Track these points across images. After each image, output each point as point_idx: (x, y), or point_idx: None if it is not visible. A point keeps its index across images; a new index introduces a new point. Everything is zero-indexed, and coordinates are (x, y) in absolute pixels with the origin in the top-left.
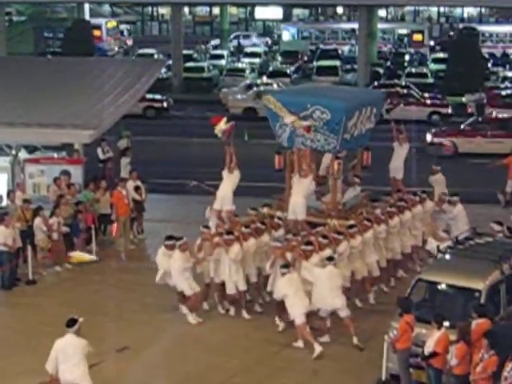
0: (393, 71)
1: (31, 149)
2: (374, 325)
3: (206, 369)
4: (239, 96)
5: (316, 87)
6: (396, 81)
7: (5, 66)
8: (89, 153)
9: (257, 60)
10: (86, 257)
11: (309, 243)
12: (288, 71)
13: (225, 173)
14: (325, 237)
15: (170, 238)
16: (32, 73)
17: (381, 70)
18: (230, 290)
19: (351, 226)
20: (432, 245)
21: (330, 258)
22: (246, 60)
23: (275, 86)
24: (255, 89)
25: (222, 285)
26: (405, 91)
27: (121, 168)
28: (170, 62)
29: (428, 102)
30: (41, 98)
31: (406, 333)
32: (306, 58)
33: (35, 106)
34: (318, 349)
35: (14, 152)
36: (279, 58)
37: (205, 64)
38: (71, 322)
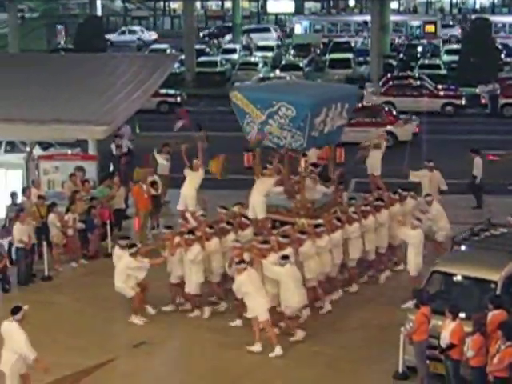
0: (406, 63)
1: (45, 145)
2: (391, 318)
3: (223, 364)
4: None
5: (287, 83)
6: (409, 72)
7: (18, 62)
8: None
9: (269, 54)
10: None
11: (265, 242)
12: (301, 64)
13: (187, 171)
14: (285, 236)
15: (124, 238)
16: (45, 69)
17: (394, 62)
18: (188, 287)
19: (317, 226)
20: (406, 235)
21: (285, 257)
22: (259, 54)
23: (288, 79)
24: (268, 82)
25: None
26: (418, 83)
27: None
28: (183, 56)
29: (441, 93)
30: (54, 94)
31: (423, 325)
32: (318, 51)
33: (49, 102)
34: (278, 351)
35: (28, 149)
36: (292, 52)
37: (217, 58)
38: (15, 310)
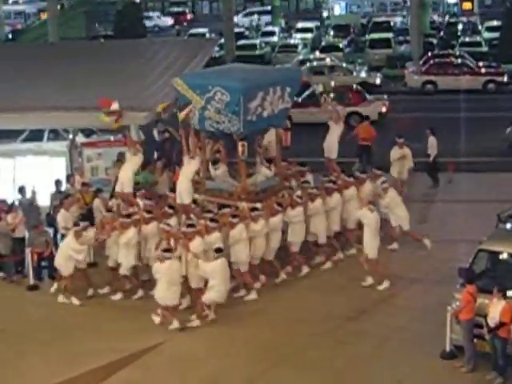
0: (446, 41)
1: (88, 132)
2: (437, 297)
3: (273, 345)
4: None
5: (229, 67)
6: (450, 51)
7: (59, 51)
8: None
9: (309, 35)
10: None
11: (190, 226)
12: (340, 45)
13: (128, 155)
14: (213, 220)
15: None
16: (85, 57)
17: (434, 41)
18: (122, 270)
19: (253, 210)
20: (364, 216)
21: (219, 250)
22: (298, 36)
23: (328, 60)
24: (308, 64)
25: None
26: (459, 61)
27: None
28: (222, 40)
29: (483, 70)
30: (95, 81)
31: (469, 303)
32: (357, 32)
33: (90, 89)
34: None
35: (71, 136)
36: (331, 33)
37: (257, 41)
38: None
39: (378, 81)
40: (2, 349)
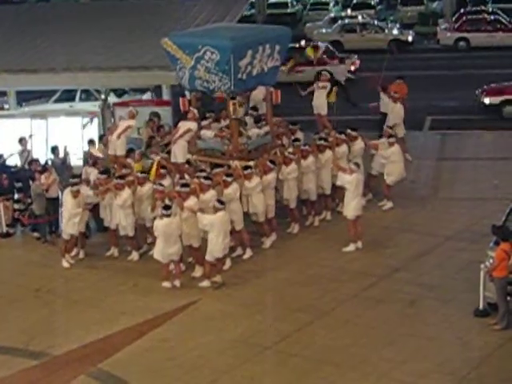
0: None
1: (120, 92)
2: (470, 255)
3: (304, 303)
4: (324, 30)
5: (217, 27)
6: (483, 7)
7: (89, 10)
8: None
9: None
10: None
11: (184, 185)
12: (372, 2)
13: (121, 121)
14: (207, 178)
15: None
16: (117, 17)
17: None
18: (121, 231)
19: (246, 168)
20: (342, 179)
21: (221, 202)
22: None
23: (360, 18)
24: (340, 22)
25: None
26: (492, 17)
27: None
28: None
29: None
30: (126, 41)
31: (504, 261)
32: None
33: (121, 49)
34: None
35: (103, 96)
36: None
37: None
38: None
39: (410, 38)
40: (37, 307)
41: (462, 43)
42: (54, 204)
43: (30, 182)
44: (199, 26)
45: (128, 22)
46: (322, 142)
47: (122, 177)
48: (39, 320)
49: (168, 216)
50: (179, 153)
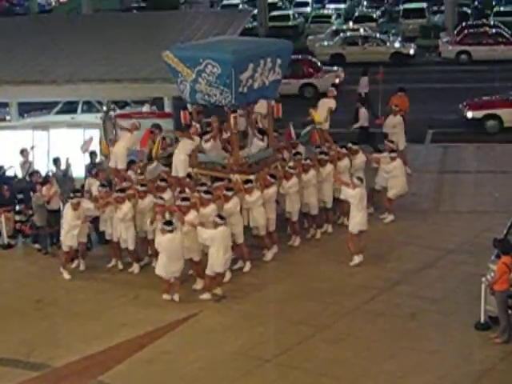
0: (481, 11)
1: (122, 104)
2: (471, 268)
3: (305, 316)
4: (326, 43)
5: (218, 40)
6: (484, 20)
7: (91, 22)
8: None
9: (342, 5)
10: None
11: (185, 199)
12: (374, 15)
13: (123, 133)
14: (208, 193)
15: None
16: (119, 28)
17: (468, 11)
18: (123, 244)
19: (247, 182)
20: (345, 193)
21: (221, 217)
22: (332, 6)
23: (362, 31)
24: (342, 35)
25: (117, 242)
26: (494, 31)
27: None
28: (256, 11)
29: None
30: (129, 53)
31: (505, 274)
32: (391, 1)
33: (124, 61)
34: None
35: (105, 108)
36: (365, 3)
37: (290, 12)
38: None
39: (411, 51)
40: (37, 319)
41: (463, 56)
42: (56, 216)
43: (31, 194)
44: (202, 39)
45: (130, 34)
46: (323, 156)
47: (122, 190)
48: (40, 332)
49: (171, 232)
50: (180, 166)
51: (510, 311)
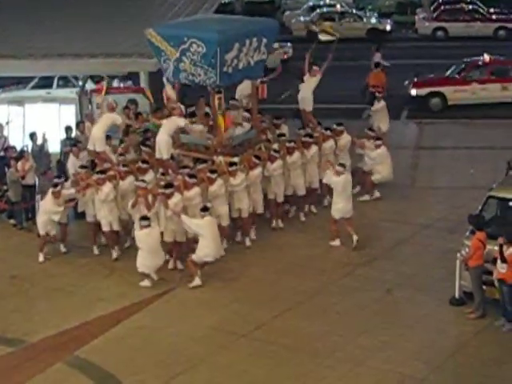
0: None
1: (97, 79)
2: (446, 244)
3: (282, 291)
4: (302, 18)
5: (202, 18)
6: None
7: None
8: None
9: None
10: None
11: (168, 185)
12: None
13: (100, 115)
14: (192, 176)
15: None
16: (95, 4)
17: None
18: (104, 227)
19: (232, 164)
20: (329, 178)
21: (205, 209)
22: None
23: (338, 6)
24: (318, 10)
25: (98, 224)
26: (470, 7)
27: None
28: None
29: (494, 17)
30: (104, 28)
31: (479, 250)
32: None
33: (100, 36)
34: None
35: (81, 83)
36: None
37: None
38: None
39: (388, 27)
40: (13, 294)
41: (439, 33)
42: (31, 191)
43: (6, 169)
44: (177, 14)
45: (107, 11)
46: (308, 138)
47: (103, 172)
48: (15, 307)
49: (147, 226)
50: (164, 148)
51: (484, 287)
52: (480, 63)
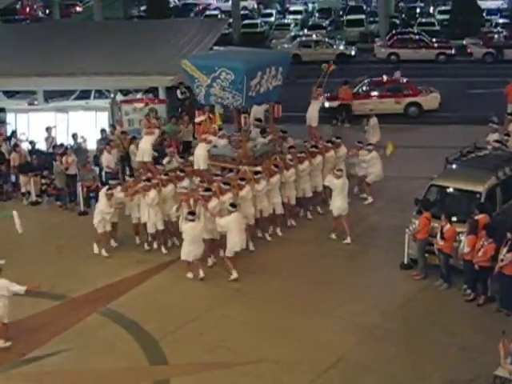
0: (407, 22)
1: (125, 92)
2: (398, 221)
3: (260, 263)
4: (286, 45)
5: (230, 51)
6: (410, 29)
7: (102, 28)
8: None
9: (299, 16)
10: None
11: (207, 189)
12: (324, 24)
13: (143, 132)
14: (226, 183)
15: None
16: (123, 33)
17: (397, 21)
18: (150, 228)
19: (256, 173)
20: (330, 181)
21: (233, 205)
22: (291, 17)
23: (314, 36)
24: (298, 39)
25: (144, 225)
26: (417, 37)
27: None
28: (231, 20)
29: (435, 45)
30: (131, 52)
31: (426, 226)
32: (337, 14)
33: (127, 59)
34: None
35: (112, 95)
36: (317, 14)
37: (258, 21)
38: None
39: (353, 52)
40: (59, 260)
41: (393, 57)
42: (73, 179)
43: (54, 163)
44: (188, 43)
45: (132, 37)
46: (314, 149)
47: (148, 180)
48: (60, 270)
49: (193, 221)
50: (202, 161)
51: (426, 254)
52: (380, 82)
